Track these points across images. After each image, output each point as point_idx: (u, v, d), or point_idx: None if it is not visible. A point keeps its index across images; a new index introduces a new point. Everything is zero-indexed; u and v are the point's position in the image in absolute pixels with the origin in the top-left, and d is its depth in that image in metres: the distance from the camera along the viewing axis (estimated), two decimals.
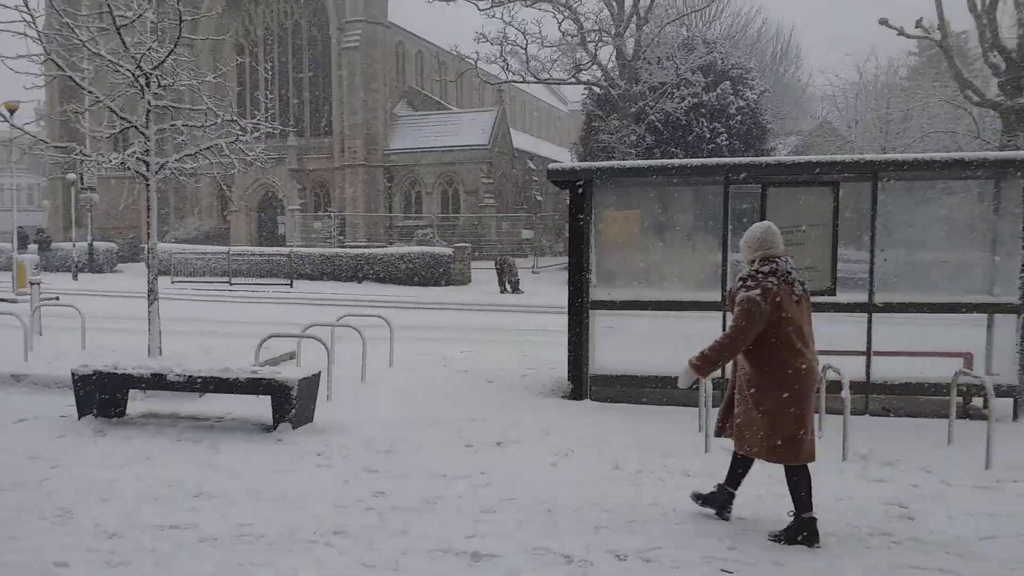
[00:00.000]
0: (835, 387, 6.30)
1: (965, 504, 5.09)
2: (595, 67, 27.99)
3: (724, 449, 6.26)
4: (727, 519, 4.76)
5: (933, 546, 4.41)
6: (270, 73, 40.01)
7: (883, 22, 23.03)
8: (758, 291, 4.29)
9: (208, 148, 9.67)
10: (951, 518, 4.83)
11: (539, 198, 42.13)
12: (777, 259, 4.39)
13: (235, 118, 9.78)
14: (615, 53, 28.31)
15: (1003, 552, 4.33)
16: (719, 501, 4.81)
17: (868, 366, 7.58)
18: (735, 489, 4.78)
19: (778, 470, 5.71)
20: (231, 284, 26.48)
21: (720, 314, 7.81)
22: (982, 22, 22.14)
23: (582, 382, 8.24)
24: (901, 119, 31.31)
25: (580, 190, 8.19)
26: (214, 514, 4.78)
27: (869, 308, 7.56)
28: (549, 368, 9.97)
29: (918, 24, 23.06)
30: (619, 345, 8.31)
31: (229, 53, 39.22)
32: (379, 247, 30.71)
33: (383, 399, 8.06)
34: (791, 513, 4.47)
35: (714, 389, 6.78)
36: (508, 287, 23.97)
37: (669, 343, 7.80)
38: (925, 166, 7.76)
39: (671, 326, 8.12)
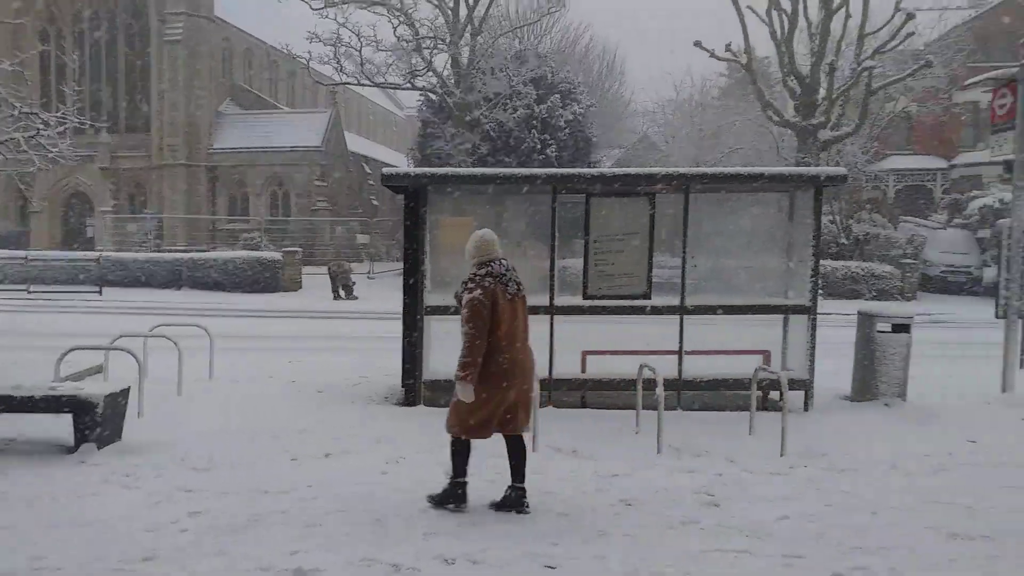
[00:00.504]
0: (651, 385, 6.68)
1: (763, 489, 5.57)
2: (430, 74, 28.07)
3: (550, 447, 6.49)
4: (528, 512, 4.99)
5: (735, 530, 4.79)
6: (78, 63, 36.74)
7: (697, 44, 24.83)
8: (479, 291, 4.77)
9: (2, 143, 8.75)
10: (751, 503, 5.27)
11: (375, 202, 41.57)
12: (492, 263, 4.88)
13: (36, 111, 8.93)
14: (450, 61, 28.55)
15: (793, 531, 4.78)
16: (512, 501, 5.02)
17: (680, 364, 8.12)
18: (522, 482, 5.04)
19: (609, 464, 6.00)
20: (29, 292, 24.00)
21: (548, 317, 8.07)
22: (781, 49, 24.46)
23: (416, 388, 8.22)
24: (712, 135, 33.81)
25: (415, 195, 8.18)
26: (2, 549, 4.32)
27: (681, 310, 8.10)
28: (383, 375, 9.85)
29: (727, 48, 25.09)
30: (453, 350, 8.33)
31: (32, 40, 35.62)
32: (201, 251, 29.00)
33: (201, 414, 7.62)
34: (446, 475, 5.12)
35: (542, 389, 7.00)
36: (342, 293, 23.45)
37: None
38: (731, 179, 8.46)
39: None
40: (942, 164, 34.19)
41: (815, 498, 5.41)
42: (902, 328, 8.26)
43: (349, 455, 6.32)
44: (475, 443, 5.12)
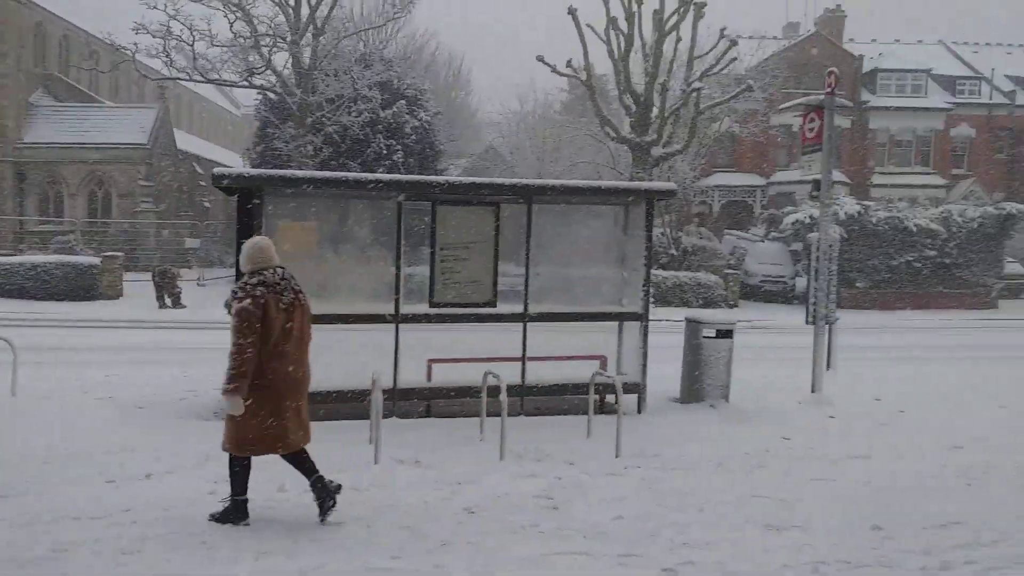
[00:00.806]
0: (495, 391, 6.72)
1: (600, 491, 5.74)
2: (269, 72, 26.92)
3: (393, 459, 6.36)
4: (338, 491, 4.92)
5: (573, 531, 4.90)
6: None
7: (540, 59, 25.46)
8: (249, 300, 4.63)
9: None
10: (589, 505, 5.41)
11: (207, 204, 39.36)
12: (265, 271, 4.79)
13: None
14: (291, 60, 27.54)
15: (628, 530, 4.95)
16: (320, 492, 4.90)
17: (523, 370, 8.24)
18: (316, 471, 4.94)
19: (452, 473, 5.96)
20: None
21: (393, 326, 7.93)
22: (618, 68, 25.57)
23: None
24: (554, 148, 34.80)
25: (250, 198, 7.78)
26: None
27: (524, 318, 8.23)
28: (212, 389, 9.22)
29: (568, 64, 25.91)
30: None
31: None
32: (6, 255, 26.21)
33: (1, 435, 6.84)
34: (224, 499, 4.97)
35: (385, 400, 6.85)
36: (168, 301, 21.96)
37: (345, 357, 7.73)
38: (571, 192, 8.74)
39: (347, 339, 8.05)
40: (761, 182, 37.26)
41: (648, 497, 5.64)
42: (725, 334, 8.84)
43: (173, 475, 5.89)
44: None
